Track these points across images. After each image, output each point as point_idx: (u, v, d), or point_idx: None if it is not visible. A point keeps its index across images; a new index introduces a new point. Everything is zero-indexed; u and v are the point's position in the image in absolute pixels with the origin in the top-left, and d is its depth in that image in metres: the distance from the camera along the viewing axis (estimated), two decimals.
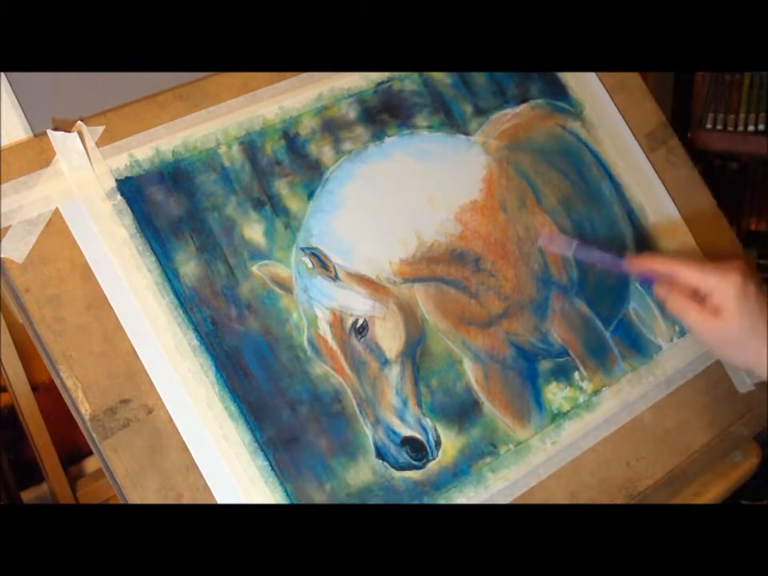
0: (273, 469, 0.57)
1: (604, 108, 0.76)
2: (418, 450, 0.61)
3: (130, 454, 0.54)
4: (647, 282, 0.69)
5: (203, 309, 0.58)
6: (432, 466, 0.61)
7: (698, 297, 0.63)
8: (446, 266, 0.66)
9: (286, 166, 0.64)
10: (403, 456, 0.60)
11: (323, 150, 0.65)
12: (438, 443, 0.62)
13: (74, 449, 0.95)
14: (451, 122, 0.70)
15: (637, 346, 0.70)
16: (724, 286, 0.62)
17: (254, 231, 0.61)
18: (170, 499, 0.54)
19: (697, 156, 1.46)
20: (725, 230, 0.78)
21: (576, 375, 0.67)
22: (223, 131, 0.62)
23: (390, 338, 0.62)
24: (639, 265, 0.66)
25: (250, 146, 0.63)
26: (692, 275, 0.63)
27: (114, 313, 0.56)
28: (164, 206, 0.59)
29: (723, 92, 1.50)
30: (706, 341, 0.64)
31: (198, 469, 0.55)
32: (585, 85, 0.76)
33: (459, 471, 0.62)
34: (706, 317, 0.62)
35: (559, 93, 0.75)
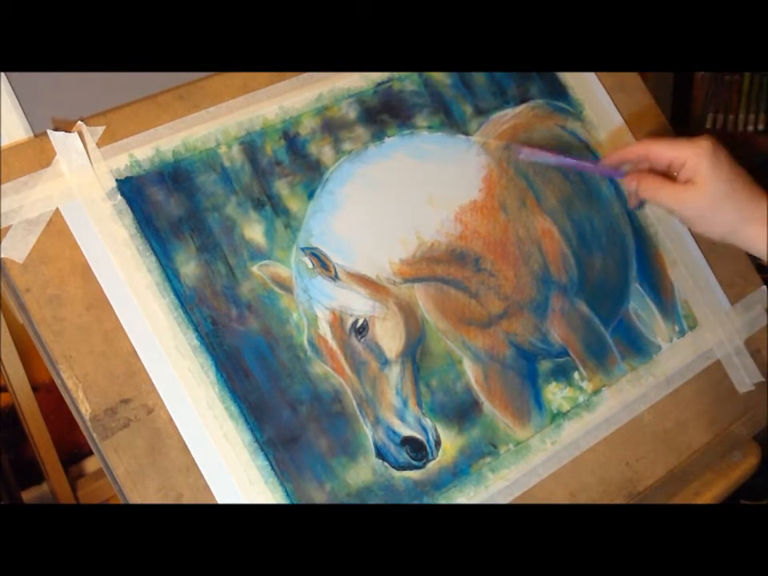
0: (273, 469, 0.57)
1: (604, 108, 0.76)
2: (417, 450, 0.61)
3: (130, 453, 0.54)
4: (617, 177, 0.70)
5: (203, 309, 0.58)
6: (432, 465, 0.61)
7: (671, 176, 0.65)
8: (446, 266, 0.66)
9: (286, 166, 0.64)
10: (403, 456, 0.60)
11: (323, 150, 0.65)
12: (437, 443, 0.62)
13: (74, 449, 0.95)
14: (451, 122, 0.70)
15: (637, 346, 0.71)
16: (695, 153, 0.63)
17: (254, 231, 0.61)
18: (170, 499, 0.54)
19: None
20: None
21: (576, 375, 0.67)
22: (223, 131, 0.62)
23: (389, 338, 0.62)
24: (612, 158, 0.67)
25: (250, 146, 0.63)
26: (664, 149, 0.64)
27: (115, 313, 0.56)
28: (164, 206, 0.59)
29: (723, 92, 1.51)
30: (682, 214, 0.65)
31: (198, 469, 0.55)
32: (585, 85, 0.76)
33: (459, 471, 0.62)
34: (680, 189, 0.64)
35: (559, 93, 0.75)
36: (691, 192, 0.63)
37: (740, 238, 0.64)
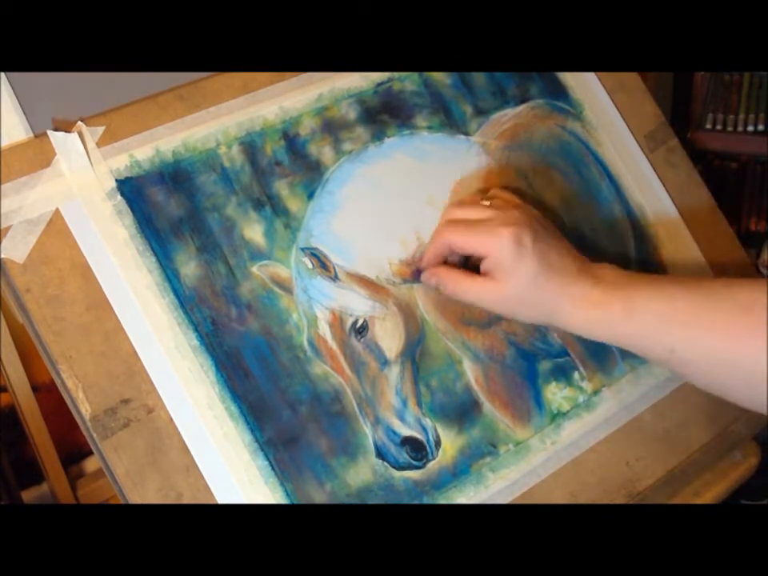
0: (273, 469, 0.57)
1: (604, 108, 0.76)
2: (417, 450, 0.61)
3: (130, 453, 0.54)
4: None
5: (203, 309, 0.58)
6: (432, 465, 0.61)
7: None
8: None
9: (286, 167, 0.64)
10: (403, 456, 0.60)
11: (323, 151, 0.65)
12: (437, 443, 0.62)
13: (74, 449, 0.95)
14: (451, 122, 0.70)
15: None
16: (494, 249, 0.59)
17: (254, 231, 0.61)
18: (170, 499, 0.54)
19: (696, 156, 1.46)
20: (725, 229, 0.78)
21: (576, 375, 0.67)
22: (223, 131, 0.62)
23: (389, 338, 0.62)
24: (427, 261, 0.63)
25: (250, 146, 0.63)
26: (463, 242, 0.61)
27: (115, 313, 0.56)
28: (164, 207, 0.59)
29: (723, 92, 1.51)
30: (489, 307, 0.62)
31: (199, 469, 0.55)
32: (585, 85, 0.76)
33: (459, 471, 0.62)
34: (479, 283, 0.60)
35: (559, 93, 0.75)
36: (490, 287, 0.60)
37: (554, 326, 0.62)
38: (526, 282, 0.59)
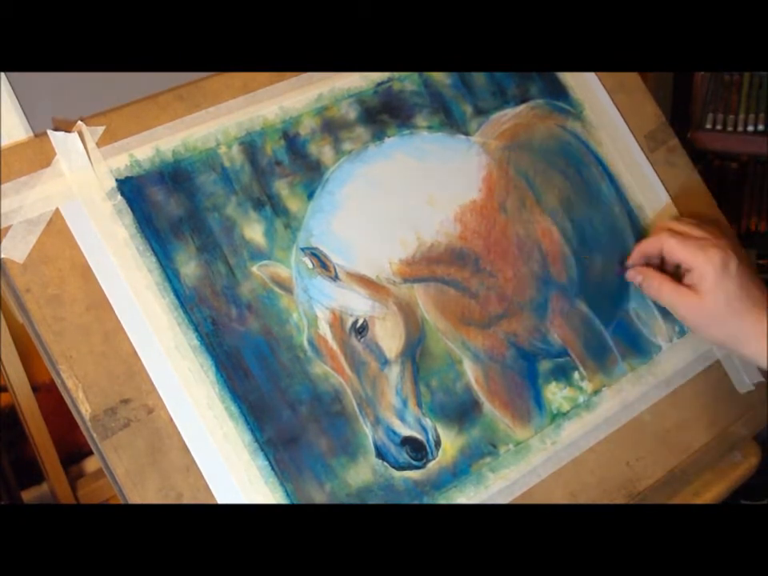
0: (273, 469, 0.57)
1: (604, 108, 0.76)
2: (417, 450, 0.61)
3: (130, 453, 0.54)
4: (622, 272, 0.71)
5: (203, 309, 0.58)
6: (432, 465, 0.61)
7: (679, 274, 0.66)
8: (445, 266, 0.66)
9: (286, 167, 0.64)
10: (403, 456, 0.60)
11: (323, 151, 0.65)
12: (437, 443, 0.62)
13: (74, 449, 0.95)
14: (451, 122, 0.70)
15: (637, 346, 0.71)
16: (704, 263, 0.63)
17: (254, 231, 0.61)
18: (170, 499, 0.54)
19: (696, 156, 1.46)
20: (725, 230, 0.78)
21: (576, 375, 0.67)
22: (223, 131, 0.62)
23: (389, 338, 0.62)
24: (636, 257, 0.69)
25: (250, 146, 0.63)
26: (677, 248, 0.65)
27: (115, 313, 0.56)
28: (164, 206, 0.59)
29: (723, 92, 1.50)
30: (682, 316, 0.66)
31: (199, 469, 0.55)
32: (585, 85, 0.76)
33: (459, 471, 0.62)
34: (682, 292, 0.65)
35: (559, 93, 0.75)
36: (692, 299, 0.64)
37: (738, 351, 0.65)
38: (723, 302, 0.63)
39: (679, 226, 0.68)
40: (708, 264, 0.63)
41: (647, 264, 0.69)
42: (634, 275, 0.69)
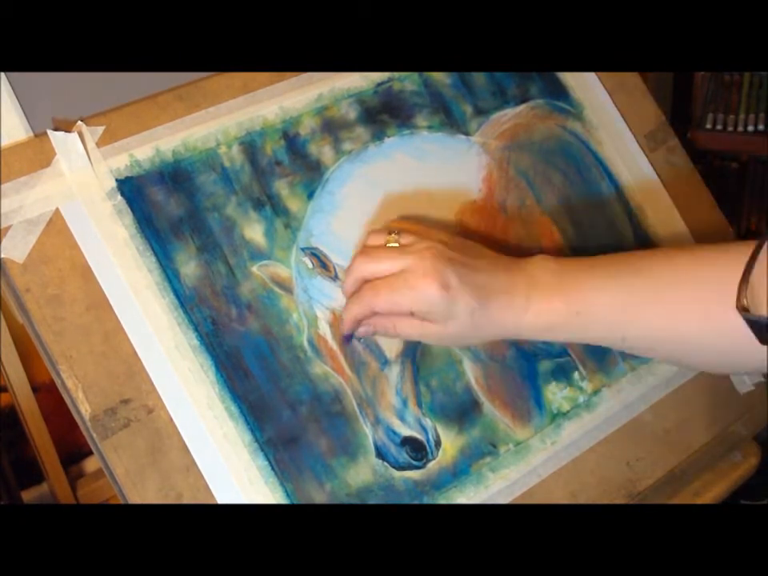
0: (273, 469, 0.57)
1: (604, 108, 0.76)
2: (417, 450, 0.61)
3: (130, 453, 0.54)
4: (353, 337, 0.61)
5: (203, 309, 0.58)
6: (432, 465, 0.61)
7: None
8: None
9: (286, 166, 0.64)
10: (403, 456, 0.60)
11: (323, 151, 0.65)
12: (437, 443, 0.62)
13: (74, 449, 0.95)
14: (451, 122, 0.70)
15: None
16: (424, 303, 0.56)
17: (254, 231, 0.61)
18: (170, 499, 0.54)
19: (696, 156, 1.46)
20: (725, 230, 0.78)
21: (576, 375, 0.67)
22: (223, 131, 0.62)
23: (389, 338, 0.62)
24: (347, 327, 0.60)
25: (250, 146, 0.63)
26: (386, 306, 0.57)
27: (115, 313, 0.56)
28: (164, 206, 0.59)
29: (723, 92, 1.50)
30: (437, 344, 0.61)
31: (198, 469, 0.55)
32: (585, 85, 0.76)
33: (459, 471, 0.62)
34: (421, 327, 0.57)
35: (559, 93, 0.75)
36: (432, 329, 0.57)
37: (506, 338, 0.62)
38: (464, 320, 0.56)
39: (371, 266, 0.57)
40: (428, 300, 0.55)
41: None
42: (365, 332, 0.59)
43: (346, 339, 0.61)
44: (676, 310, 0.55)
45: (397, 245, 0.58)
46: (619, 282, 0.57)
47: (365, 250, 0.59)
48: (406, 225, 0.61)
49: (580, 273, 0.59)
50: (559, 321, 0.58)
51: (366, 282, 0.58)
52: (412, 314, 0.57)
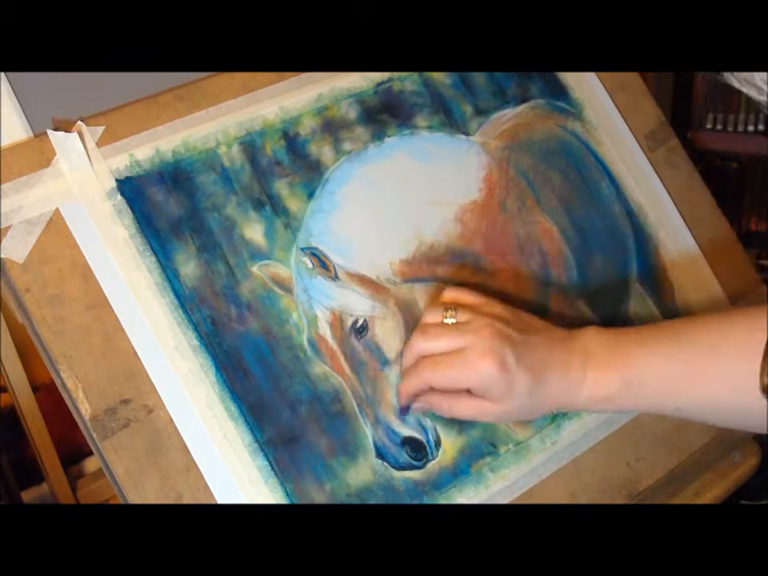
0: (273, 469, 0.57)
1: (604, 108, 0.76)
2: (417, 450, 0.61)
3: (130, 454, 0.54)
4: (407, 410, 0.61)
5: (203, 309, 0.58)
6: (432, 466, 0.61)
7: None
8: (446, 266, 0.66)
9: (286, 166, 0.64)
10: (403, 456, 0.60)
11: (323, 150, 0.65)
12: (437, 443, 0.62)
13: (74, 449, 0.95)
14: (451, 122, 0.70)
15: None
16: (480, 382, 0.56)
17: (254, 231, 0.61)
18: (170, 499, 0.54)
19: (696, 156, 1.46)
20: (725, 230, 0.78)
21: None
22: (223, 131, 0.62)
23: (390, 338, 0.62)
24: (404, 401, 0.60)
25: (250, 146, 0.63)
26: (443, 383, 0.57)
27: (114, 313, 0.56)
28: (164, 206, 0.59)
29: (723, 92, 1.50)
30: (492, 421, 0.62)
31: (198, 469, 0.55)
32: (585, 85, 0.76)
33: (459, 471, 0.62)
34: (479, 405, 0.58)
35: (559, 93, 0.75)
36: (489, 407, 0.58)
37: (569, 409, 0.63)
38: (522, 398, 0.57)
39: (432, 344, 0.58)
40: (485, 380, 0.56)
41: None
42: (420, 408, 0.60)
43: (403, 411, 0.61)
44: (715, 383, 0.56)
45: (454, 320, 0.59)
46: (664, 353, 0.58)
47: (422, 328, 0.60)
48: (462, 298, 0.61)
49: (630, 344, 0.59)
50: (614, 393, 0.58)
51: (424, 357, 0.58)
52: (469, 392, 0.58)
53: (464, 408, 0.58)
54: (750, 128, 1.50)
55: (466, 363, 0.56)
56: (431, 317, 0.60)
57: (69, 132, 0.58)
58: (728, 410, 0.57)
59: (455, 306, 0.59)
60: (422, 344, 0.59)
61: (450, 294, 0.61)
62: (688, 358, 0.57)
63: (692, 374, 0.57)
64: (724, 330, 0.57)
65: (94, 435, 0.54)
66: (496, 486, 0.62)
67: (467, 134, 0.70)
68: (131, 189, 0.59)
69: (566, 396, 0.59)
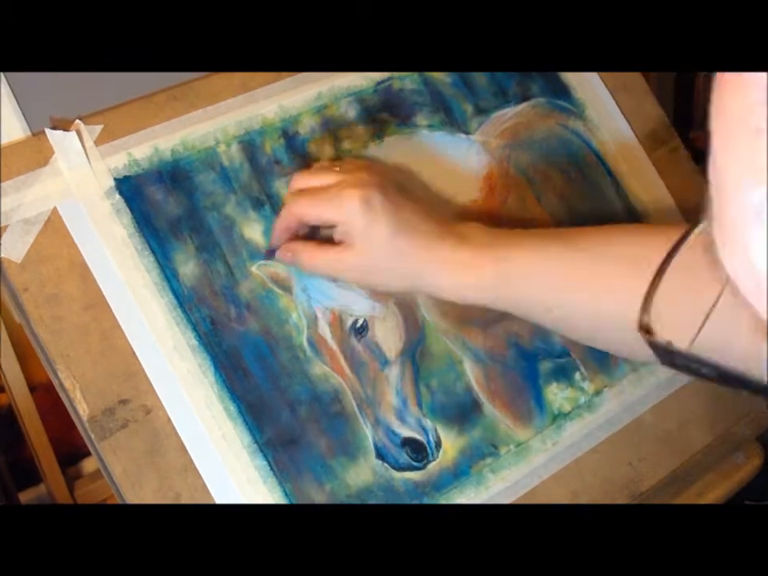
0: (272, 469, 0.56)
1: (606, 108, 0.76)
2: (418, 451, 0.61)
3: (128, 454, 0.54)
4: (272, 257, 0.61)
5: (202, 308, 0.58)
6: (432, 466, 0.61)
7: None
8: None
9: (286, 165, 0.63)
10: (403, 457, 0.60)
11: (323, 150, 0.65)
12: (438, 444, 0.61)
13: (72, 449, 0.95)
14: (451, 121, 0.70)
15: None
16: (340, 212, 0.55)
17: (253, 231, 0.61)
18: (168, 499, 0.53)
19: (698, 156, 1.46)
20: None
21: (577, 376, 0.67)
22: (222, 130, 0.62)
23: (389, 338, 0.62)
24: (276, 238, 0.60)
25: (250, 144, 0.63)
26: (311, 213, 0.57)
27: (113, 312, 0.56)
28: (163, 206, 0.59)
29: None
30: (348, 278, 0.58)
31: (197, 469, 0.55)
32: (586, 85, 0.76)
33: (460, 472, 0.61)
34: (334, 253, 0.56)
35: (561, 92, 0.75)
36: (346, 256, 0.56)
37: (421, 291, 0.59)
38: (382, 245, 0.55)
39: (306, 180, 0.58)
40: (348, 212, 0.55)
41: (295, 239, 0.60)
42: (283, 254, 0.59)
43: (269, 254, 0.60)
44: (596, 292, 0.54)
45: (338, 169, 0.59)
46: (545, 250, 0.56)
47: (305, 170, 0.61)
48: (356, 160, 0.62)
49: (512, 238, 0.57)
50: (484, 283, 0.56)
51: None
52: (332, 241, 0.57)
53: (323, 256, 0.57)
54: None
55: (332, 195, 0.56)
56: (319, 164, 0.61)
57: (67, 130, 0.58)
58: (605, 328, 0.54)
59: (344, 162, 0.61)
60: (300, 180, 0.59)
61: (349, 160, 0.63)
62: (570, 262, 0.55)
63: (572, 278, 0.54)
64: (618, 240, 0.55)
65: (92, 436, 0.53)
66: (497, 487, 0.62)
67: (468, 132, 0.70)
68: (130, 188, 0.58)
69: (429, 269, 0.56)
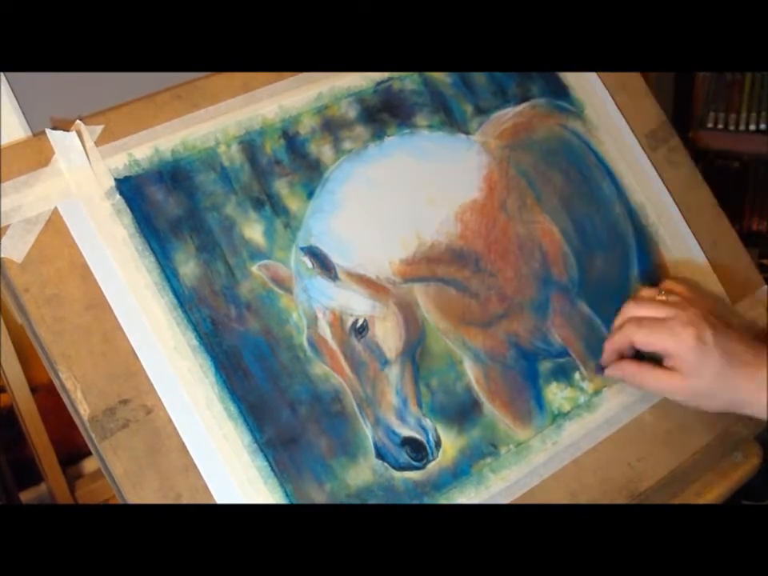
0: (272, 469, 0.56)
1: (605, 108, 0.76)
2: (417, 451, 0.61)
3: (129, 454, 0.54)
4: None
5: (203, 309, 0.58)
6: (432, 466, 0.61)
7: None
8: (446, 266, 0.65)
9: (286, 166, 0.63)
10: (403, 456, 0.60)
11: (323, 150, 0.65)
12: (437, 443, 0.61)
13: (72, 449, 0.95)
14: (451, 121, 0.70)
15: None
16: (676, 348, 0.62)
17: (253, 231, 0.61)
18: (169, 499, 0.54)
19: (698, 155, 1.46)
20: (726, 229, 0.78)
21: (577, 375, 0.67)
22: (222, 130, 0.62)
23: (390, 338, 0.62)
24: (607, 358, 0.67)
25: (250, 145, 0.63)
26: (644, 341, 0.64)
27: (113, 313, 0.56)
28: (163, 206, 0.59)
29: (724, 91, 1.50)
30: (673, 398, 0.64)
31: (197, 469, 0.55)
32: (586, 85, 0.76)
33: (459, 471, 0.61)
34: (665, 378, 0.63)
35: (560, 92, 0.75)
36: (677, 382, 0.63)
37: (743, 412, 0.64)
38: (711, 377, 0.62)
39: (642, 310, 0.65)
40: (681, 346, 0.62)
41: (622, 357, 0.66)
42: (614, 371, 0.66)
43: (598, 369, 0.67)
44: None
45: (665, 299, 0.66)
46: None
47: (636, 298, 0.68)
48: (677, 288, 0.68)
49: None
50: None
51: (631, 319, 0.65)
52: (661, 366, 0.63)
53: (653, 377, 0.64)
54: (752, 127, 1.50)
55: (668, 329, 0.63)
56: (646, 292, 0.68)
57: (67, 131, 0.58)
58: None
59: (668, 290, 0.67)
60: (633, 309, 0.66)
61: (668, 283, 0.69)
62: None
63: None
64: None
65: (93, 436, 0.53)
66: (497, 487, 0.62)
67: (467, 133, 0.70)
68: (130, 188, 0.58)
69: (748, 394, 0.62)
